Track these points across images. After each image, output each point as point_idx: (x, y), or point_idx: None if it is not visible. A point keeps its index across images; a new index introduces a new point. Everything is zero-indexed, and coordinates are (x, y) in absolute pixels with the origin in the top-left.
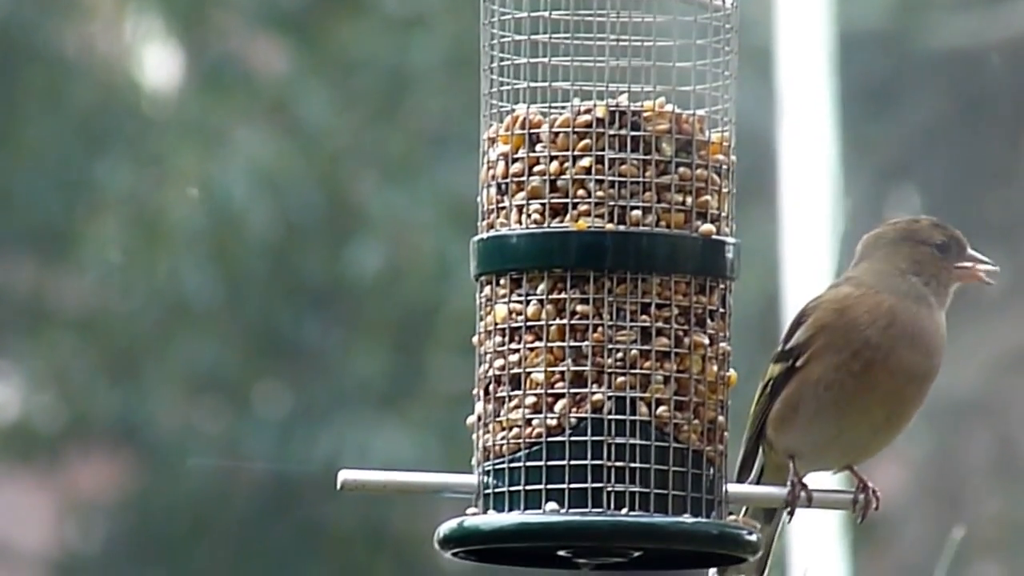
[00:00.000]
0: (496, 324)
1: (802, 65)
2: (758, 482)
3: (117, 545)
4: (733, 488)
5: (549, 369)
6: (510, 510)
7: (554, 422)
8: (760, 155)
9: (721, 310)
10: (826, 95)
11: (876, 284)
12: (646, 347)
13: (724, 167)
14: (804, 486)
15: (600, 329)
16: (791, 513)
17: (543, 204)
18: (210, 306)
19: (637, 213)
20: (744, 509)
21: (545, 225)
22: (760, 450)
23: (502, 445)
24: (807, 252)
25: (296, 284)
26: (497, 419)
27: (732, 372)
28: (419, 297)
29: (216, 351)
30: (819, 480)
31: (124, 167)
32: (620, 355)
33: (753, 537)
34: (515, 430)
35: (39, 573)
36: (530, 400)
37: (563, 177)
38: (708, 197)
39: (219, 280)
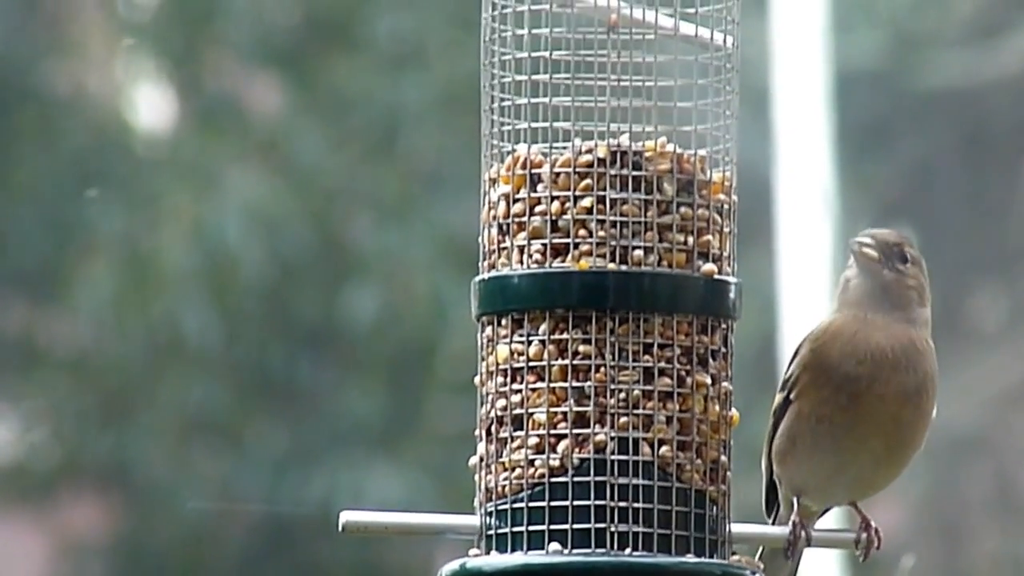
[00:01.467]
0: (498, 364)
1: (799, 104)
2: (774, 519)
3: None
4: (736, 528)
5: (551, 410)
6: (513, 551)
7: (557, 463)
8: (757, 194)
9: (723, 350)
10: (823, 133)
11: (844, 311)
12: (648, 387)
13: (725, 207)
14: (804, 526)
15: (603, 369)
16: (791, 554)
17: (544, 244)
18: (204, 346)
19: (639, 253)
20: (761, 548)
21: (547, 265)
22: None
23: (505, 486)
24: (805, 291)
25: (290, 324)
26: (499, 460)
27: (734, 412)
28: (414, 337)
29: (210, 391)
30: (821, 519)
31: (117, 207)
32: (623, 395)
33: None
34: (518, 471)
35: None
36: (533, 441)
37: (564, 217)
38: (710, 237)
39: (213, 320)
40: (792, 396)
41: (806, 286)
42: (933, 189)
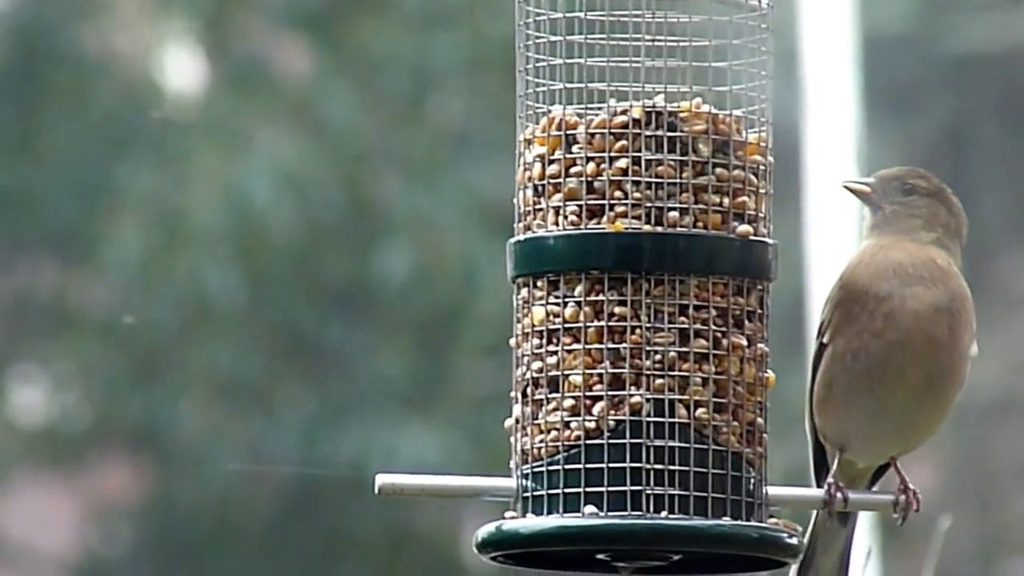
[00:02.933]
0: (533, 326)
1: (828, 67)
2: (818, 482)
3: (141, 549)
4: (772, 490)
5: (587, 371)
6: (548, 513)
7: (592, 425)
8: (786, 155)
9: (759, 311)
10: (852, 95)
11: (863, 244)
12: (684, 349)
13: (761, 168)
14: (840, 488)
15: (638, 331)
16: (830, 515)
17: (580, 206)
18: (234, 308)
19: (674, 214)
20: (815, 513)
21: (582, 227)
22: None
23: (540, 448)
24: (833, 251)
25: (320, 286)
26: (535, 422)
27: (770, 373)
28: (444, 298)
29: (239, 353)
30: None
31: (146, 170)
32: (658, 357)
33: (794, 540)
34: (553, 433)
35: None
36: (568, 403)
37: (600, 179)
38: (745, 198)
39: (243, 282)
40: (826, 339)
41: (834, 247)
42: (963, 152)
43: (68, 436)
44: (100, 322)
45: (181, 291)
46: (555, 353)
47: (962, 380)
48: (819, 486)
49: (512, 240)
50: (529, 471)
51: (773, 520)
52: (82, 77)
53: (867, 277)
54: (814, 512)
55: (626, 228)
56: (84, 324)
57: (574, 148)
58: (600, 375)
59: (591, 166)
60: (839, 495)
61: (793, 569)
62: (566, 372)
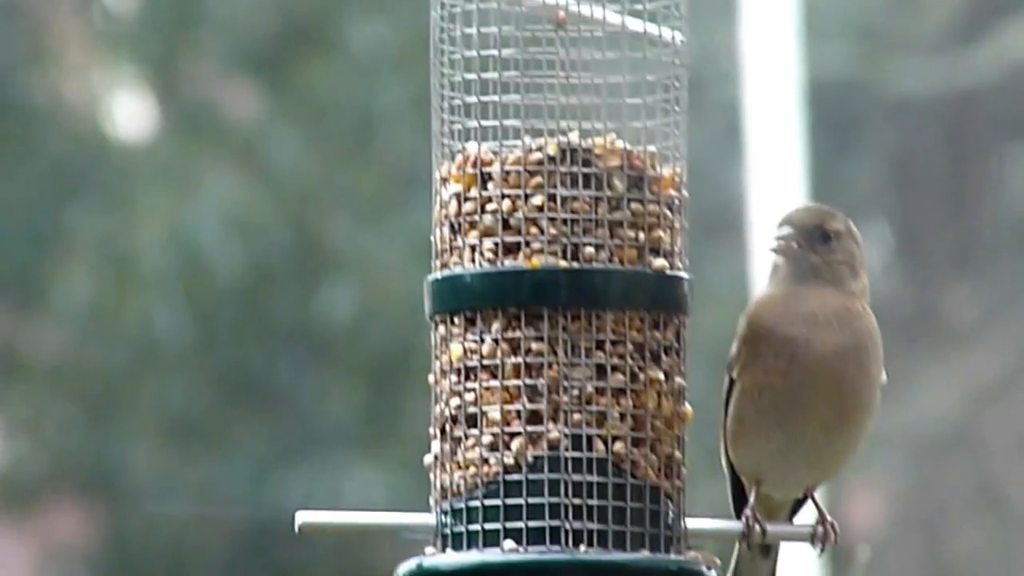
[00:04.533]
0: (451, 363)
1: (771, 111)
2: (737, 515)
3: None
4: (691, 523)
5: (505, 407)
6: (468, 549)
7: (511, 460)
8: (729, 194)
9: (676, 345)
10: (796, 135)
11: (771, 284)
12: (601, 384)
13: (676, 202)
14: (758, 519)
15: (555, 367)
16: (748, 547)
17: (496, 243)
18: (182, 350)
19: (590, 250)
20: (737, 546)
21: (498, 264)
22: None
23: (459, 484)
24: None
25: (269, 326)
26: (454, 458)
27: (688, 407)
28: (391, 337)
29: (189, 395)
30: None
31: (95, 214)
32: (576, 392)
33: (713, 573)
34: (472, 469)
35: None
36: (487, 439)
37: (515, 215)
38: (660, 233)
39: (191, 324)
40: (734, 375)
41: None
42: (907, 190)
43: (20, 481)
44: (51, 366)
45: (130, 334)
46: (473, 390)
47: (875, 408)
48: (738, 518)
49: (429, 278)
50: (448, 507)
51: (692, 553)
52: (31, 123)
53: (773, 318)
54: (736, 545)
55: (542, 264)
56: (34, 369)
57: (489, 185)
58: (518, 411)
59: (506, 203)
60: (757, 527)
61: None
62: (484, 408)
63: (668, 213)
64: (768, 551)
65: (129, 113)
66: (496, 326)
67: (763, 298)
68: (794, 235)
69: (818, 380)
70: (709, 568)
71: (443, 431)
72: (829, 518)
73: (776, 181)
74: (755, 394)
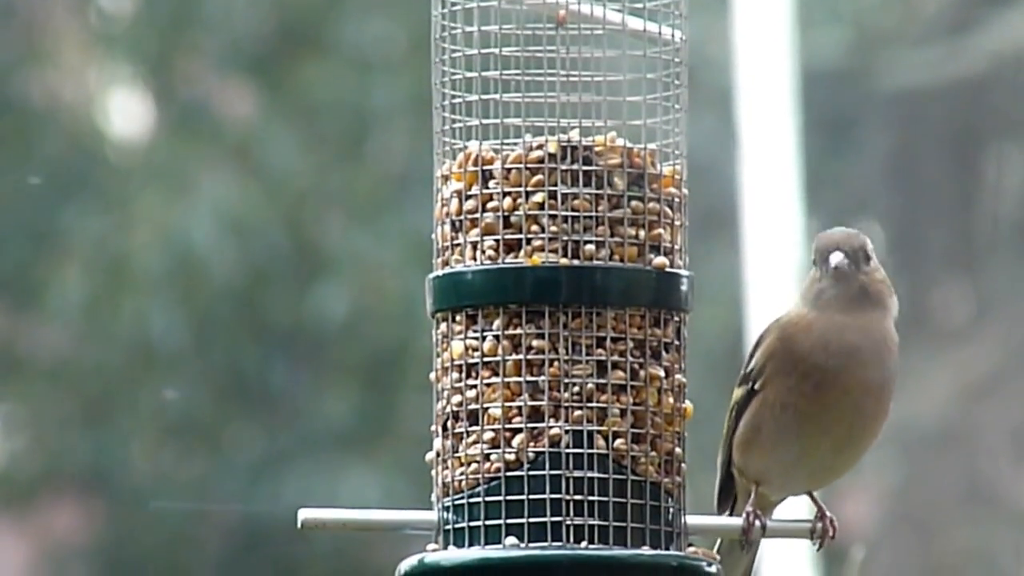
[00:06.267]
0: (453, 360)
1: (763, 102)
2: (732, 511)
3: None
4: (691, 519)
5: (506, 404)
6: (470, 545)
7: (512, 457)
8: (724, 191)
9: (676, 342)
10: (789, 129)
11: (805, 304)
12: (602, 380)
13: (676, 200)
14: (759, 516)
15: (556, 364)
16: (746, 544)
17: (497, 240)
18: (178, 350)
19: (591, 247)
20: (719, 540)
21: (499, 261)
22: (734, 478)
23: (461, 481)
24: (770, 286)
25: (264, 327)
26: (455, 455)
27: (688, 404)
28: (386, 338)
29: (185, 395)
30: (778, 510)
31: (91, 214)
32: (576, 389)
33: (713, 569)
34: (473, 465)
35: None
36: (488, 435)
37: (516, 213)
38: (661, 230)
39: (186, 324)
40: (757, 386)
41: (771, 281)
42: (901, 186)
43: (18, 479)
44: (48, 366)
45: (126, 334)
46: (474, 387)
47: (881, 431)
48: (720, 514)
49: (431, 275)
50: (450, 504)
51: (692, 549)
52: (27, 123)
53: (810, 346)
54: (717, 540)
55: (543, 262)
56: (32, 368)
57: (490, 183)
58: (519, 408)
59: (507, 201)
60: (757, 523)
61: None
62: (485, 405)
63: (668, 211)
64: (749, 547)
65: (125, 113)
66: (497, 323)
67: (801, 321)
68: (848, 259)
69: (841, 407)
70: (709, 564)
71: (445, 428)
72: (828, 514)
73: (770, 176)
74: (777, 408)
